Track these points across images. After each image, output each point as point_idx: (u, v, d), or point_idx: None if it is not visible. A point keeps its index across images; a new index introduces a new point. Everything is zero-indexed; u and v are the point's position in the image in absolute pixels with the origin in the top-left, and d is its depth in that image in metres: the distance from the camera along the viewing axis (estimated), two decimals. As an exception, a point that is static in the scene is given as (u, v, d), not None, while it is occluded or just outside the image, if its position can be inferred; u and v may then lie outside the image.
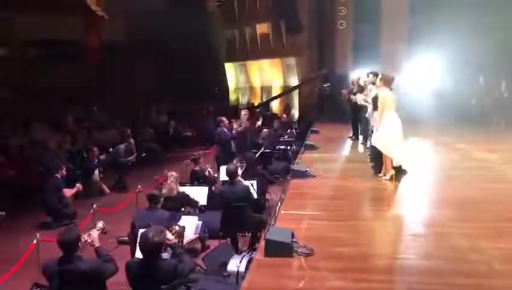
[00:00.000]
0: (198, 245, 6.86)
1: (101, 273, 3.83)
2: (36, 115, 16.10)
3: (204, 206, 7.39)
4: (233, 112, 18.62)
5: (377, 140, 7.30)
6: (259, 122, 10.46)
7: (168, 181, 6.83)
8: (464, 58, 13.45)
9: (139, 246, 3.80)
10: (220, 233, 6.58)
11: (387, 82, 7.32)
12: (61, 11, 19.21)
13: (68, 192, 8.73)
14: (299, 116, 19.99)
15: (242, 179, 6.85)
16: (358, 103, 9.71)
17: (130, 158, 8.85)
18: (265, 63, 21.94)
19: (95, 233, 4.13)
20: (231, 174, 6.67)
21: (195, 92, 21.78)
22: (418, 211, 5.87)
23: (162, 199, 5.81)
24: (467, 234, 4.84)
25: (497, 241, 4.63)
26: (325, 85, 17.41)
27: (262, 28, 21.51)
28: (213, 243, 6.59)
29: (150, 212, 5.60)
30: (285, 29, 19.80)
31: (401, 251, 4.52)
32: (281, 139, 13.22)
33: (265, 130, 12.81)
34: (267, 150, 11.25)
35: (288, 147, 12.63)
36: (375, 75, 8.77)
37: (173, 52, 21.64)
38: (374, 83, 8.60)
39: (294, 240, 4.59)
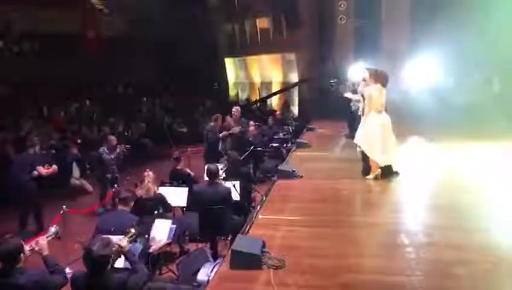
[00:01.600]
0: (177, 249, 6.55)
1: (44, 287, 3.48)
2: (30, 110, 15.88)
3: (185, 207, 7.07)
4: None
5: (359, 139, 6.98)
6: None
7: (145, 181, 6.45)
8: (465, 54, 12.94)
9: (83, 259, 3.45)
10: (198, 237, 6.23)
11: (377, 78, 6.92)
12: (59, 4, 18.95)
13: (43, 170, 7.65)
14: (298, 113, 19.68)
15: (221, 181, 6.45)
16: (347, 97, 9.33)
17: (108, 157, 8.22)
18: (265, 58, 21.58)
19: (43, 240, 3.78)
20: (211, 174, 6.29)
21: (194, 88, 21.50)
22: (406, 218, 5.49)
23: (132, 202, 5.43)
24: (454, 245, 4.46)
25: (486, 253, 4.25)
26: (332, 81, 16.93)
27: (262, 22, 21.13)
28: (193, 247, 6.28)
29: (116, 215, 5.25)
30: (285, 24, 19.44)
31: (379, 264, 4.13)
32: (275, 137, 12.86)
33: (251, 128, 12.37)
34: (259, 148, 10.90)
35: (285, 145, 12.27)
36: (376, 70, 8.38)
37: (172, 46, 21.33)
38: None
39: (265, 250, 4.25)
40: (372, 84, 6.91)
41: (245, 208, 6.87)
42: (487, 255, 4.20)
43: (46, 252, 3.73)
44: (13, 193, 7.64)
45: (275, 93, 20.77)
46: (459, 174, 7.33)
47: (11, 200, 7.82)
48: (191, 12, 21.22)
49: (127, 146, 8.45)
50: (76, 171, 9.72)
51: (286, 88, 20.17)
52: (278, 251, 4.31)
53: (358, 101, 8.59)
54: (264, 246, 4.26)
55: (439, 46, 13.10)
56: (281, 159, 10.77)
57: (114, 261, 3.67)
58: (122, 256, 3.83)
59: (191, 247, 6.43)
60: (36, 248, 3.73)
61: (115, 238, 3.88)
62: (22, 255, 3.51)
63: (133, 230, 4.08)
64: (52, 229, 4.01)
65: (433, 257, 4.22)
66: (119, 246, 3.70)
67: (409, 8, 15.64)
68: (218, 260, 4.88)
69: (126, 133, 14.33)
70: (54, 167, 7.98)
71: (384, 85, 7.08)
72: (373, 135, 6.76)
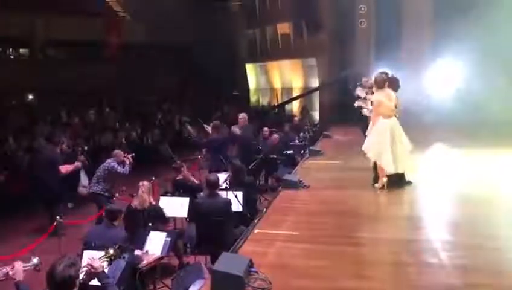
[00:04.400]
0: (176, 262, 6.31)
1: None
2: (50, 116, 16.05)
3: (187, 218, 6.84)
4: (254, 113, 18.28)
5: (366, 147, 6.62)
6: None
7: (139, 192, 6.22)
8: (490, 57, 12.33)
9: (46, 280, 3.21)
10: (195, 250, 5.97)
11: (379, 84, 6.56)
12: (83, 12, 19.20)
13: (65, 168, 8.07)
14: (319, 119, 19.32)
15: (219, 193, 6.17)
16: (355, 105, 8.92)
17: (122, 170, 8.10)
18: (286, 63, 21.36)
19: (19, 265, 3.56)
20: (210, 185, 6.01)
21: (215, 94, 21.42)
22: (413, 234, 5.02)
23: (120, 216, 5.20)
24: (462, 266, 4.05)
25: (498, 275, 3.83)
26: (358, 83, 16.47)
27: (283, 28, 20.95)
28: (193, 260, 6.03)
29: (105, 229, 5.03)
30: (306, 29, 19.19)
31: (375, 287, 3.75)
32: (291, 143, 12.52)
33: (275, 135, 12.03)
34: (272, 156, 10.59)
35: (302, 152, 11.91)
36: (386, 75, 7.99)
37: (193, 53, 21.32)
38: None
39: (252, 269, 3.94)
40: (379, 90, 6.55)
41: (247, 219, 6.57)
42: (499, 278, 3.79)
43: (19, 278, 3.53)
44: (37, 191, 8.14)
45: (294, 99, 20.48)
46: (479, 185, 6.82)
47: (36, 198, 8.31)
48: (212, 19, 21.19)
49: (132, 155, 8.25)
50: (84, 179, 9.58)
51: (305, 93, 19.86)
52: (267, 270, 3.99)
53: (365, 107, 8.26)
54: (251, 265, 3.96)
55: (464, 47, 12.55)
56: (295, 167, 10.43)
57: (86, 282, 3.45)
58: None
59: (192, 260, 6.18)
60: (11, 273, 3.53)
61: (89, 258, 3.65)
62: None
63: (111, 251, 3.85)
64: (35, 260, 3.76)
65: (437, 281, 3.82)
66: (91, 266, 3.46)
67: (432, 10, 15.08)
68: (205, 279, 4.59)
69: (142, 140, 14.24)
70: (76, 163, 8.35)
71: (395, 90, 6.74)
72: (381, 142, 6.41)
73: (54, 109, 16.82)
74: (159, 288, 5.58)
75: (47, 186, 7.96)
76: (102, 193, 7.91)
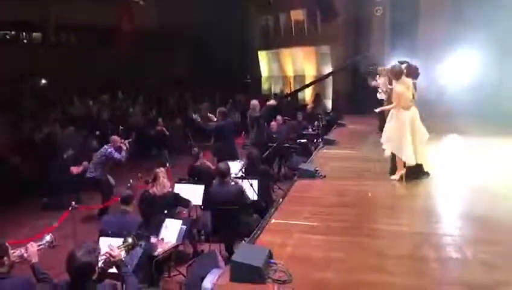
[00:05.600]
0: (190, 249, 6.26)
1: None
2: (62, 101, 16.09)
3: (201, 205, 6.78)
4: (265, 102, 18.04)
5: (387, 137, 6.49)
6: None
7: (160, 178, 6.15)
8: (508, 46, 12.03)
9: (66, 266, 3.17)
10: (209, 237, 5.93)
11: (396, 75, 6.40)
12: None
13: (75, 169, 8.65)
14: (331, 107, 19.10)
15: (235, 180, 6.09)
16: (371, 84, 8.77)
17: (119, 156, 8.06)
18: (299, 51, 21.08)
19: (33, 247, 3.54)
20: (221, 173, 5.92)
21: (227, 81, 21.28)
22: (434, 228, 4.91)
23: (132, 202, 5.14)
24: (486, 262, 3.94)
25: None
26: (371, 67, 16.18)
27: (296, 14, 20.61)
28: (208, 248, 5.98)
29: (119, 217, 4.98)
30: (320, 17, 18.88)
31: (397, 281, 3.66)
32: (304, 132, 12.40)
33: (273, 123, 11.81)
34: (286, 144, 10.49)
35: (314, 141, 11.79)
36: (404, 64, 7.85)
37: (205, 39, 21.15)
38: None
39: (272, 260, 3.87)
40: (397, 81, 6.40)
41: (262, 208, 6.50)
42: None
43: (34, 260, 3.50)
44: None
45: (306, 86, 20.19)
46: (500, 178, 6.63)
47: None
48: (224, 5, 20.95)
49: (129, 141, 8.24)
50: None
51: (317, 80, 19.54)
52: (287, 261, 3.92)
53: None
54: (271, 256, 3.89)
55: (482, 36, 12.25)
56: (309, 156, 10.32)
57: (104, 270, 3.41)
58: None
59: (206, 248, 6.13)
60: (25, 255, 3.50)
61: (107, 246, 3.60)
62: (5, 258, 3.29)
63: (129, 240, 3.79)
64: (47, 237, 3.74)
65: (461, 276, 3.73)
66: (110, 255, 3.41)
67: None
68: (223, 268, 4.52)
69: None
70: (84, 163, 8.58)
71: (415, 78, 6.61)
72: (402, 134, 6.28)
73: (66, 94, 16.84)
74: (174, 276, 5.54)
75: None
76: (99, 178, 7.97)
